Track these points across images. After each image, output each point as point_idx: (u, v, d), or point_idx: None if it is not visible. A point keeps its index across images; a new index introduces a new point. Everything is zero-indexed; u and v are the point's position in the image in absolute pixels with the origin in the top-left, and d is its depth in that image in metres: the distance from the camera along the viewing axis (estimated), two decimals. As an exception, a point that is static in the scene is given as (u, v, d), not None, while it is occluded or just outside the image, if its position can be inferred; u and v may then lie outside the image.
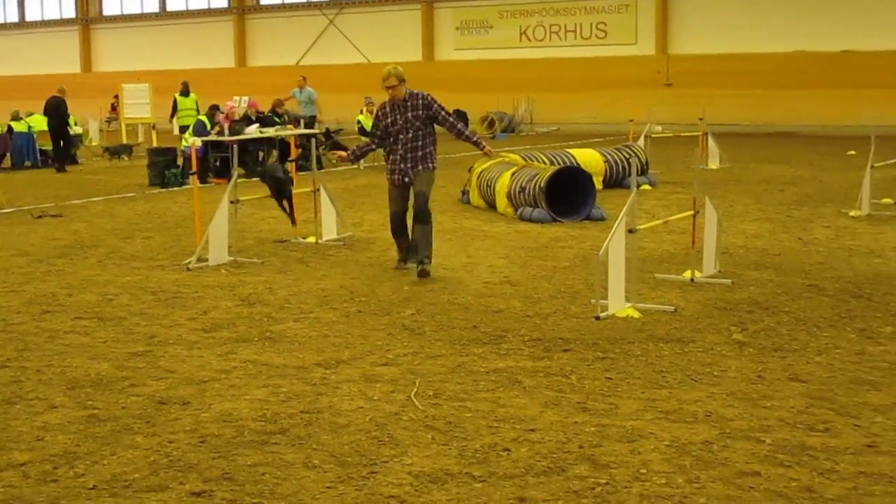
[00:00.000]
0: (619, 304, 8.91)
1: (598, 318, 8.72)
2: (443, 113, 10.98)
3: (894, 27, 39.05)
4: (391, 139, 11.07)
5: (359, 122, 26.16)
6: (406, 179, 10.99)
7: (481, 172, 16.73)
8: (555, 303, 9.49)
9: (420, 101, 10.92)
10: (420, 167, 10.97)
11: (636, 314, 8.82)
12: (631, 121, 25.58)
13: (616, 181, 18.66)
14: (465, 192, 17.54)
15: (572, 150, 19.50)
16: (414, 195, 10.98)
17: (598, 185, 17.65)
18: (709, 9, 43.22)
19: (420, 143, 10.95)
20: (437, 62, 48.64)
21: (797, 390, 6.69)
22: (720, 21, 42.78)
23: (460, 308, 9.34)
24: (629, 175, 18.85)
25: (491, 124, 40.18)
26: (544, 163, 17.43)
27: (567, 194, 15.18)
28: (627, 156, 19.12)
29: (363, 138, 25.34)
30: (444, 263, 11.61)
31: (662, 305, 9.15)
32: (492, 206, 16.12)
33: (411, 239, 11.07)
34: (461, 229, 14.38)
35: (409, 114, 10.89)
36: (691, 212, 10.41)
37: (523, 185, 15.17)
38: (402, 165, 11.00)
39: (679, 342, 7.98)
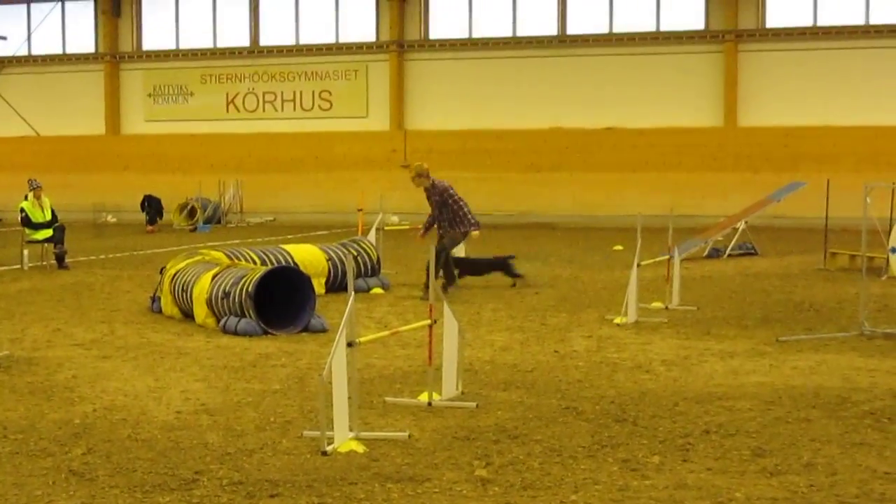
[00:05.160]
0: (341, 436, 8.91)
1: (325, 453, 8.69)
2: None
3: (660, 103, 41.00)
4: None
5: (22, 210, 24.51)
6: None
7: (175, 274, 16.54)
8: (262, 436, 9.42)
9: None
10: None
11: (360, 448, 8.83)
12: (360, 210, 25.85)
13: (342, 283, 18.78)
14: (155, 299, 17.28)
15: (288, 246, 19.58)
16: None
17: (320, 288, 17.80)
18: (452, 77, 44.36)
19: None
20: (123, 136, 48.08)
21: (549, 536, 6.83)
22: (466, 91, 43.94)
23: (144, 445, 9.14)
24: (359, 276, 19.08)
25: (192, 213, 39.82)
26: (254, 262, 17.42)
27: (281, 300, 15.19)
28: (355, 253, 19.41)
29: (27, 231, 24.59)
30: (126, 388, 11.39)
31: (393, 433, 9.21)
32: (188, 315, 15.95)
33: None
34: (149, 345, 14.15)
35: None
36: (428, 321, 10.55)
37: (227, 289, 15.08)
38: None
39: (411, 481, 8.03)
